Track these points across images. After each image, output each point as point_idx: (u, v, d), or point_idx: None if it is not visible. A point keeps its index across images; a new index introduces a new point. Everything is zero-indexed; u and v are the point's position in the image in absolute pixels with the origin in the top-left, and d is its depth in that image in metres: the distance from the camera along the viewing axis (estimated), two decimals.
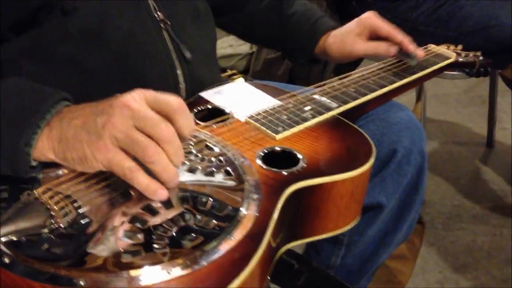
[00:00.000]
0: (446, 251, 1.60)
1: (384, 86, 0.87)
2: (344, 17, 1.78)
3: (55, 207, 0.53)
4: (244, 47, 2.53)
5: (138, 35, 0.74)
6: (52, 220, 0.52)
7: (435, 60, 0.99)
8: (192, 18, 0.84)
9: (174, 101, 0.55)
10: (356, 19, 0.96)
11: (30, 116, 0.55)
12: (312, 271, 0.95)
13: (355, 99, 0.82)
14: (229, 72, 0.98)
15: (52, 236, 0.50)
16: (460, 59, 1.04)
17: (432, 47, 1.05)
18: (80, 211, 0.54)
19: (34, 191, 0.55)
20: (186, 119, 0.55)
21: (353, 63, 1.41)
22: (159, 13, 0.77)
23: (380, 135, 0.86)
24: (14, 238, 0.50)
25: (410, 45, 0.93)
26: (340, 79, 0.89)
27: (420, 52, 0.94)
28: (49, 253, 0.49)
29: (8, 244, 0.49)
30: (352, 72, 0.92)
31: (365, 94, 0.83)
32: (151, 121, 0.53)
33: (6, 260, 0.48)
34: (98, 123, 0.54)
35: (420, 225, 1.18)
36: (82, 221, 0.52)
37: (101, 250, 0.49)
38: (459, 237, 1.65)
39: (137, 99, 0.54)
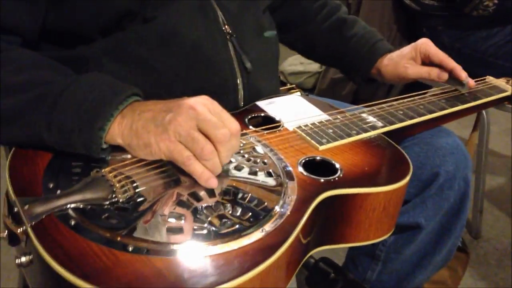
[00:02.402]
0: (497, 287, 1.57)
1: (433, 112, 0.90)
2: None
3: (117, 184, 0.62)
4: (314, 66, 2.60)
5: (205, 44, 0.83)
6: (113, 195, 0.61)
7: (490, 91, 1.01)
8: (256, 32, 0.92)
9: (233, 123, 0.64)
10: (411, 44, 1.01)
11: (106, 105, 0.65)
12: (347, 282, 1.00)
13: (401, 121, 0.86)
14: (288, 86, 1.05)
15: (112, 208, 0.59)
16: None
17: (490, 79, 1.06)
18: (137, 190, 0.62)
19: (102, 169, 0.65)
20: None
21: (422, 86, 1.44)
22: (226, 27, 0.86)
23: (424, 158, 0.90)
24: (81, 206, 0.59)
25: (462, 73, 0.96)
26: (391, 101, 0.93)
27: (471, 81, 0.97)
28: (108, 222, 0.58)
29: (75, 210, 0.58)
30: (404, 95, 0.96)
31: (413, 118, 0.87)
32: (213, 123, 0.62)
33: (72, 222, 0.57)
34: (166, 118, 0.63)
35: (464, 254, 1.18)
36: (138, 199, 0.61)
37: (151, 224, 0.58)
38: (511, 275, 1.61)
39: (203, 104, 0.63)
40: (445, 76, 0.97)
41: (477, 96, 0.98)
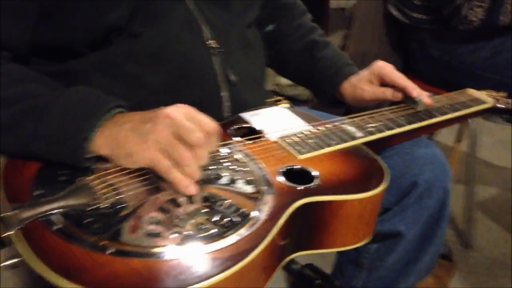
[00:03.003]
0: None
1: (413, 123, 0.93)
2: (404, 56, 1.84)
3: (100, 191, 0.65)
4: None
5: (192, 59, 0.86)
6: (95, 201, 0.64)
7: (470, 103, 1.04)
8: (241, 46, 0.95)
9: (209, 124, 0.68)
10: (368, 67, 1.02)
11: (90, 118, 0.68)
12: None
13: (381, 131, 0.89)
14: (275, 98, 1.08)
15: (93, 213, 0.62)
16: (499, 105, 1.08)
17: (470, 91, 1.09)
18: (119, 197, 0.65)
19: (86, 178, 0.68)
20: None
21: None
22: (211, 41, 0.89)
23: (403, 168, 0.92)
24: (64, 212, 0.62)
25: (413, 91, 0.95)
26: (374, 112, 0.96)
27: (426, 99, 0.96)
28: (89, 226, 0.60)
29: (59, 215, 0.61)
30: (388, 108, 0.98)
31: (392, 128, 0.90)
32: (187, 128, 0.66)
33: (56, 227, 0.60)
34: (145, 128, 0.67)
35: (449, 261, 1.20)
36: (119, 205, 0.64)
37: (130, 228, 0.61)
38: (501, 285, 1.63)
39: (178, 111, 0.67)
40: (399, 95, 0.98)
41: (457, 108, 1.01)
